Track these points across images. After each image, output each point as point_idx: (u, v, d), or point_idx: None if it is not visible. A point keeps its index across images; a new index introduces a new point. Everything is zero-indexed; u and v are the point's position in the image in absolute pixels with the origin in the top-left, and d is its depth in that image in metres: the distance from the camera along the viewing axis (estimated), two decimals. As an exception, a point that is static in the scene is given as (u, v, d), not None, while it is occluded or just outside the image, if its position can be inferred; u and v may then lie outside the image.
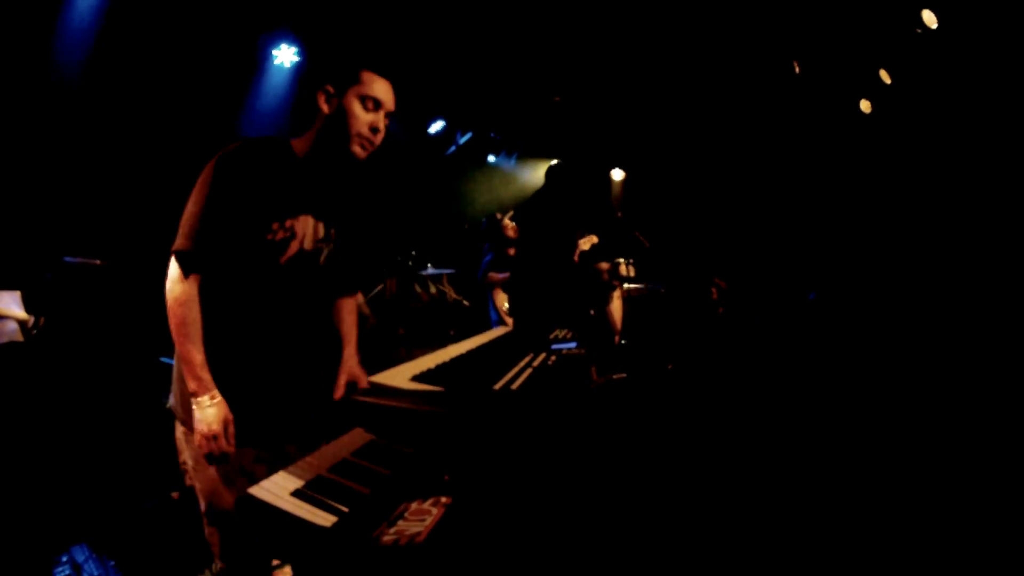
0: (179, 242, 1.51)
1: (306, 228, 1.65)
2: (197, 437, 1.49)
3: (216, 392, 1.50)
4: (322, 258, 1.72)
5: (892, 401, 4.43)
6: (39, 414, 3.03)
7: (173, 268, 1.52)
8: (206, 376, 1.50)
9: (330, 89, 1.59)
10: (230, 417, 1.52)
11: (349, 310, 1.90)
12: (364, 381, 1.73)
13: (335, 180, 1.71)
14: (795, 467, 3.37)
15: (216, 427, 1.48)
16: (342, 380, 1.72)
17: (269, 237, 1.58)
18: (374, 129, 1.60)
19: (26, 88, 4.25)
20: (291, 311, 1.69)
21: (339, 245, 1.75)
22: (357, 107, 1.57)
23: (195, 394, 1.49)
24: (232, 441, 1.52)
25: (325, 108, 1.60)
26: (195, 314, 1.51)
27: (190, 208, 1.52)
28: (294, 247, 1.63)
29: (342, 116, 1.58)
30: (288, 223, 1.61)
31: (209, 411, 1.48)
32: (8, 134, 4.11)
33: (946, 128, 6.31)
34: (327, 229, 1.71)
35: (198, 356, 1.49)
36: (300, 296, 1.70)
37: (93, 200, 4.52)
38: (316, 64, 1.63)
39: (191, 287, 1.52)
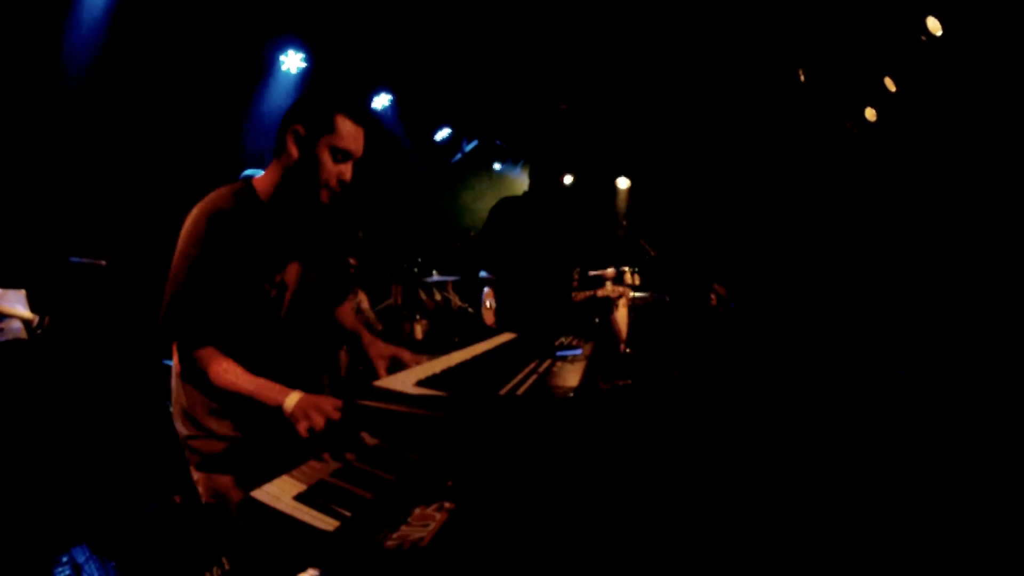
0: (180, 328, 1.45)
1: (291, 275, 1.64)
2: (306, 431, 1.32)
3: (288, 389, 1.39)
4: (309, 295, 1.70)
5: (892, 405, 4.40)
6: (42, 413, 3.03)
7: (186, 351, 1.47)
8: (272, 385, 1.41)
9: (300, 131, 1.51)
10: (315, 398, 1.37)
11: (348, 313, 1.92)
12: (405, 354, 1.74)
13: (304, 220, 1.67)
14: (796, 472, 3.36)
15: (317, 417, 1.30)
16: (382, 365, 1.71)
17: (271, 291, 1.57)
18: (341, 181, 1.55)
19: (33, 89, 4.28)
20: (295, 353, 1.68)
21: (321, 277, 1.74)
22: (327, 157, 1.51)
23: (281, 406, 1.36)
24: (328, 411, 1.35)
25: (294, 151, 1.52)
26: (227, 362, 1.45)
27: (180, 279, 1.46)
28: (287, 297, 1.63)
29: (311, 164, 1.52)
30: (277, 278, 1.59)
31: (299, 402, 1.36)
32: (15, 134, 4.13)
33: (951, 136, 6.30)
34: (308, 267, 1.68)
35: (252, 383, 1.43)
36: (301, 336, 1.69)
37: (99, 200, 4.53)
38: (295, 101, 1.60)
39: (211, 351, 1.47)
